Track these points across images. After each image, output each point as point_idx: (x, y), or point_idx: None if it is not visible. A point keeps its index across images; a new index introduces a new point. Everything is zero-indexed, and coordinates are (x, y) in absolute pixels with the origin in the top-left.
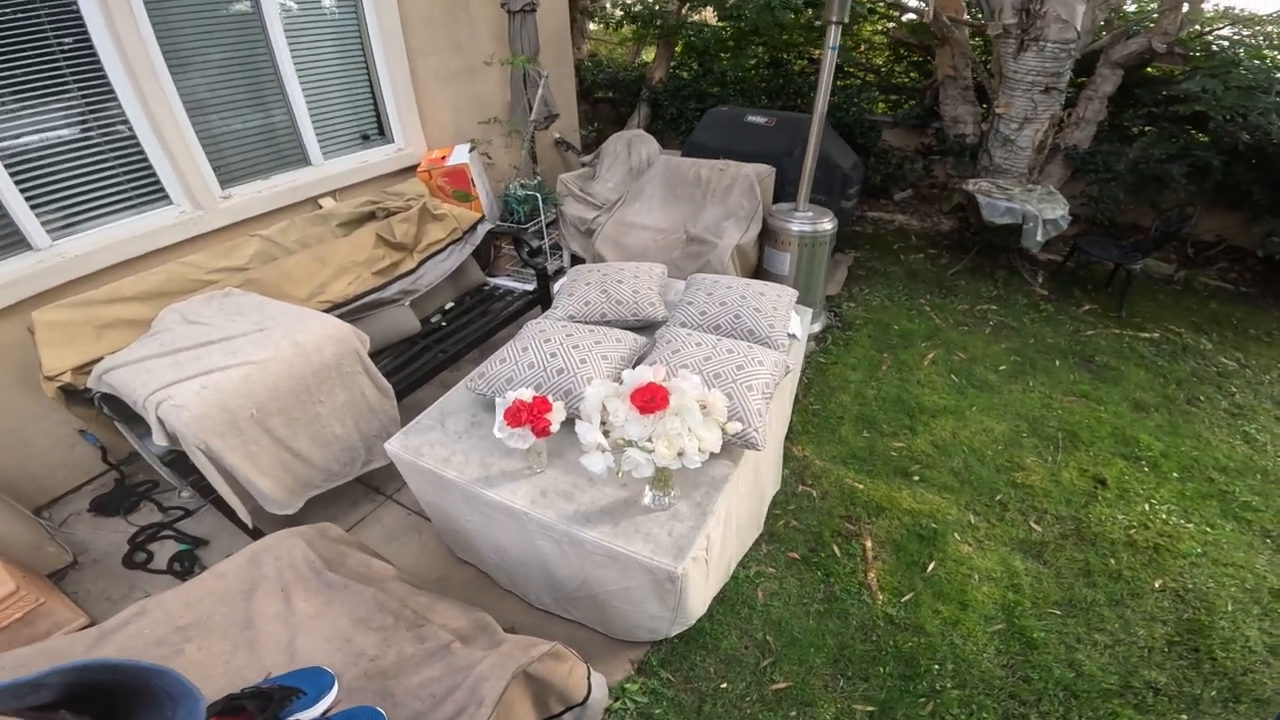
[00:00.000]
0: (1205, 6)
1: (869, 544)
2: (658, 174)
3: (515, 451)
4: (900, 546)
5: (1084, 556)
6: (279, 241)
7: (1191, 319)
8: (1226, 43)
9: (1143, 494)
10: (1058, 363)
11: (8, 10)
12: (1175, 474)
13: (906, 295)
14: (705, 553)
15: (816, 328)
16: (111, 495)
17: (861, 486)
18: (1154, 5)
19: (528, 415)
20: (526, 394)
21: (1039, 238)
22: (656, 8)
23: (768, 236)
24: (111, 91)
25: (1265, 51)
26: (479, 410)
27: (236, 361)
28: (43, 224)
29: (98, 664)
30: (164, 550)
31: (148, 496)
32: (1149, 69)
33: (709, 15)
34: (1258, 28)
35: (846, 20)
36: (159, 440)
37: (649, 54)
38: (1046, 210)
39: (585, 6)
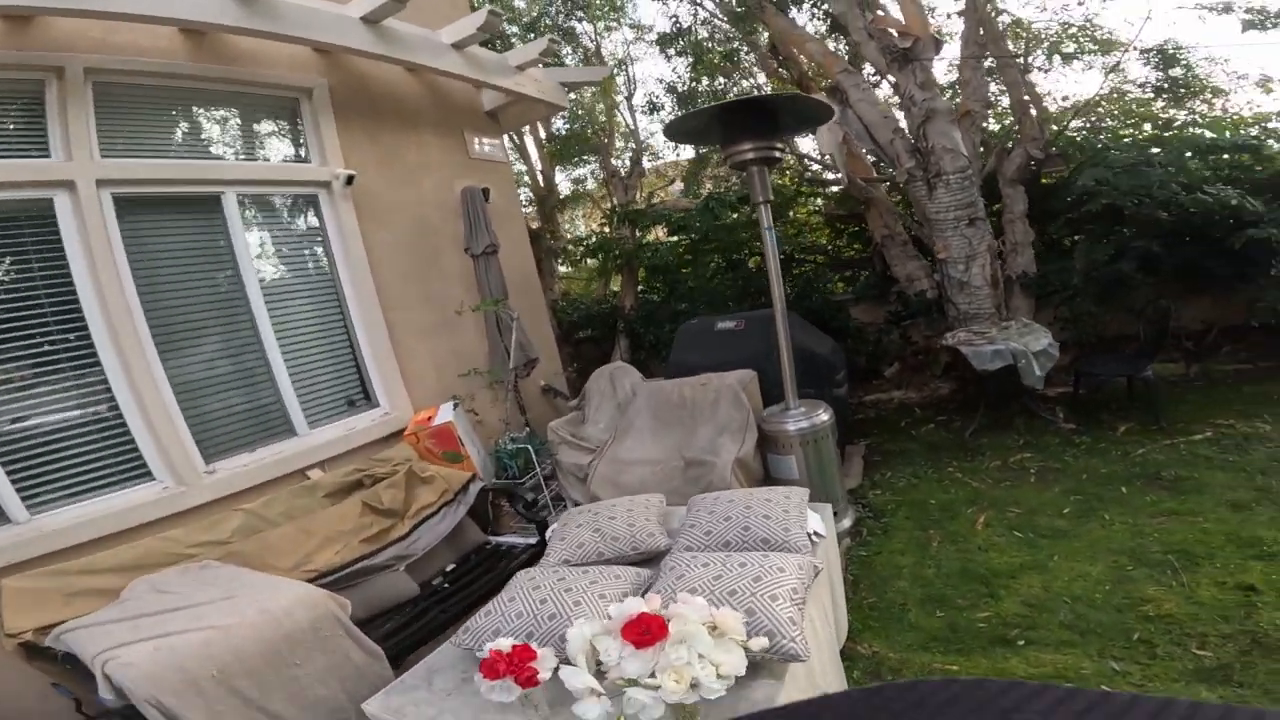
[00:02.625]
0: (1049, 106)
1: None
2: (643, 404)
3: (512, 707)
4: None
5: None
6: (263, 514)
7: (1234, 408)
8: (1083, 134)
9: None
10: (1124, 490)
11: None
12: None
13: (932, 468)
14: None
15: (847, 523)
16: None
17: (956, 667)
18: (1009, 120)
19: (506, 666)
20: (505, 643)
21: (1038, 372)
22: (610, 237)
23: (767, 444)
24: (103, 375)
25: (1119, 131)
26: (470, 666)
27: (198, 626)
28: (22, 499)
29: None
30: None
31: None
32: (1044, 179)
33: (660, 234)
34: (1099, 110)
35: (772, 199)
36: (104, 694)
37: (616, 283)
38: (1031, 342)
39: (550, 247)
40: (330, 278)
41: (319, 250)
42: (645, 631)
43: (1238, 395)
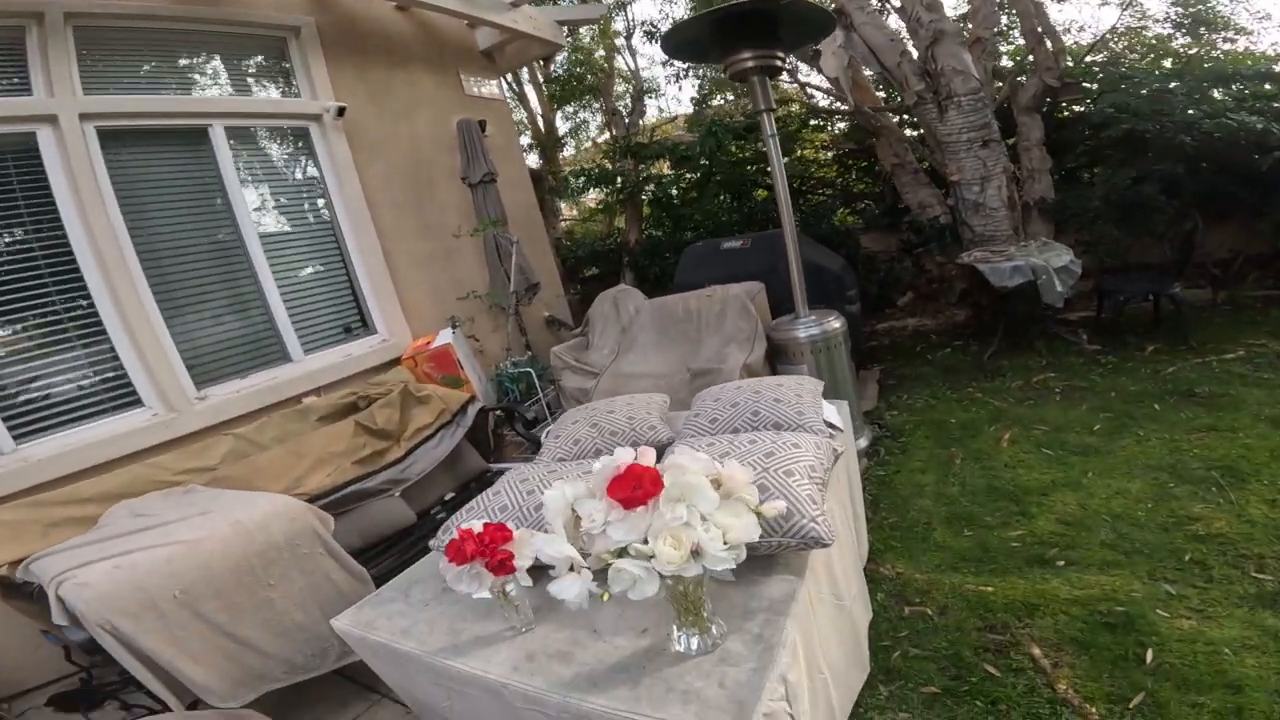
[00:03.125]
0: (1067, 39)
1: (1037, 651)
2: (646, 319)
3: (494, 613)
4: (1086, 643)
5: None
6: (254, 439)
7: (1264, 330)
8: (1100, 65)
9: None
10: (1156, 406)
11: None
12: None
13: (950, 389)
14: (786, 704)
15: (863, 443)
16: (76, 693)
17: (991, 589)
18: (1021, 56)
19: (475, 548)
20: (476, 523)
21: (1059, 289)
22: (612, 168)
23: (777, 355)
24: (90, 303)
25: (1136, 64)
26: None
27: (163, 542)
28: (7, 428)
29: None
30: None
31: (114, 695)
32: (1059, 113)
33: (663, 167)
34: (1114, 46)
35: (774, 108)
36: (57, 619)
37: (620, 221)
38: (1052, 259)
39: (552, 186)
40: (324, 208)
41: (313, 182)
42: (635, 487)
43: (1266, 319)
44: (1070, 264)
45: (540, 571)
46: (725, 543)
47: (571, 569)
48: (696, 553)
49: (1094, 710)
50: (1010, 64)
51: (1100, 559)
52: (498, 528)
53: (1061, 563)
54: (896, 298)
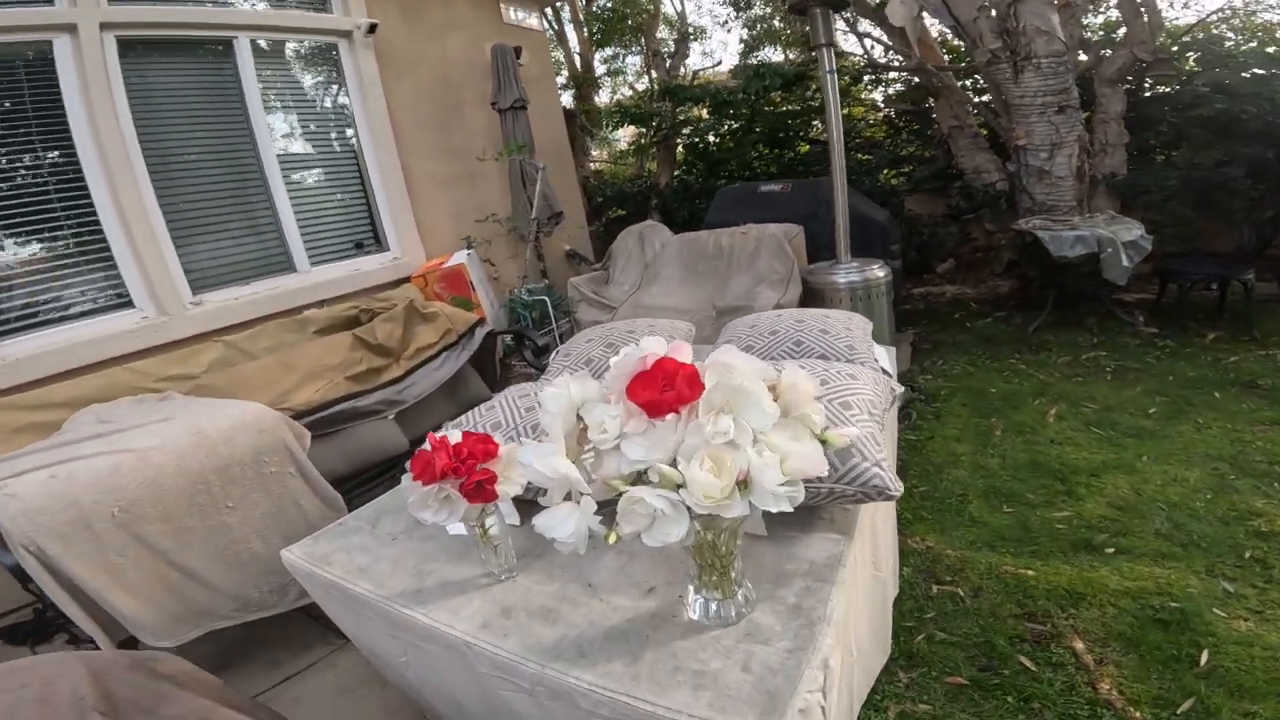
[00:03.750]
0: (1169, 16)
1: (1080, 645)
2: (674, 253)
3: (471, 554)
4: (1135, 640)
5: None
6: (245, 348)
7: None
8: (1199, 41)
9: None
10: (1217, 395)
11: None
12: None
13: (990, 359)
14: (822, 698)
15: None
16: (28, 625)
17: (1032, 573)
18: (1114, 17)
19: (449, 463)
20: (454, 434)
21: (1124, 263)
22: (654, 106)
23: (812, 301)
24: (89, 198)
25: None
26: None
27: (110, 450)
28: None
29: None
30: None
31: (64, 628)
32: (1144, 91)
33: (703, 113)
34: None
35: (834, 43)
36: None
37: (652, 165)
38: (1121, 232)
39: (583, 124)
40: (346, 125)
41: (335, 98)
42: (666, 387)
43: None
44: (1140, 239)
45: (531, 507)
46: (784, 474)
47: (569, 497)
48: (743, 484)
49: (1138, 715)
50: (1096, 37)
51: (1154, 549)
52: (480, 439)
53: (1111, 550)
54: (936, 264)
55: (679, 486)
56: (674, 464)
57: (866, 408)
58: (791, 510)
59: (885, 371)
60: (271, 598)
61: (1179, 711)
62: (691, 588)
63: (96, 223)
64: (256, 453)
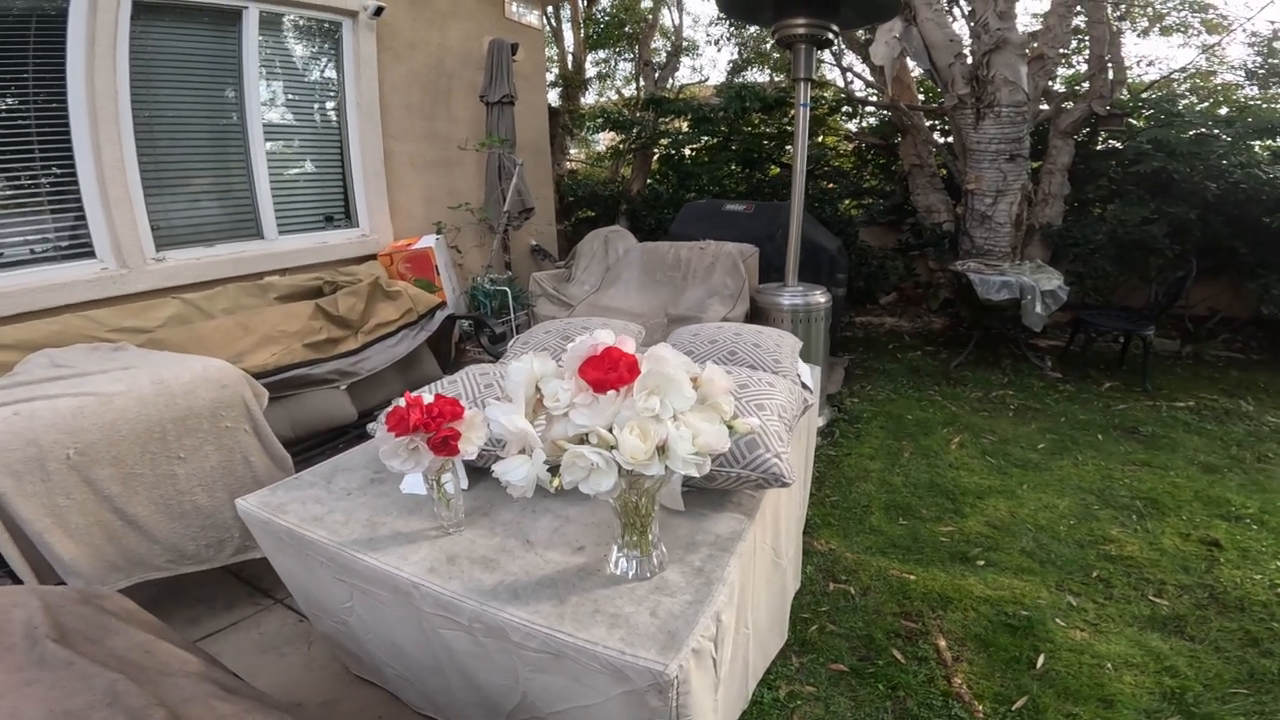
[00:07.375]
0: (1131, 73)
1: (943, 643)
2: (635, 259)
3: (420, 510)
4: (987, 641)
5: (1239, 625)
6: (203, 307)
7: (1219, 387)
8: (1155, 99)
9: (1266, 551)
10: (1100, 437)
11: None
12: None
13: (913, 388)
14: (713, 646)
15: (821, 422)
16: None
17: (914, 577)
18: (1083, 69)
19: (421, 418)
20: (427, 394)
21: (1039, 310)
22: (637, 115)
23: (758, 318)
24: (68, 139)
25: (1193, 106)
26: (384, 467)
27: (75, 392)
28: None
29: None
30: None
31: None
32: (1097, 145)
33: (682, 126)
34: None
35: (814, 77)
36: None
37: (627, 171)
38: (1043, 281)
39: (565, 123)
40: (334, 99)
41: (328, 73)
42: (610, 370)
43: (1225, 377)
44: (1058, 289)
45: (481, 474)
46: (694, 446)
47: (523, 451)
48: (662, 450)
49: (980, 708)
50: (1061, 88)
51: (1017, 564)
52: (450, 401)
53: (982, 562)
54: (880, 295)
55: (612, 448)
56: (610, 430)
57: (778, 411)
58: (698, 475)
59: (806, 386)
60: (207, 551)
61: (1013, 708)
62: (615, 546)
63: (72, 169)
64: (215, 407)
